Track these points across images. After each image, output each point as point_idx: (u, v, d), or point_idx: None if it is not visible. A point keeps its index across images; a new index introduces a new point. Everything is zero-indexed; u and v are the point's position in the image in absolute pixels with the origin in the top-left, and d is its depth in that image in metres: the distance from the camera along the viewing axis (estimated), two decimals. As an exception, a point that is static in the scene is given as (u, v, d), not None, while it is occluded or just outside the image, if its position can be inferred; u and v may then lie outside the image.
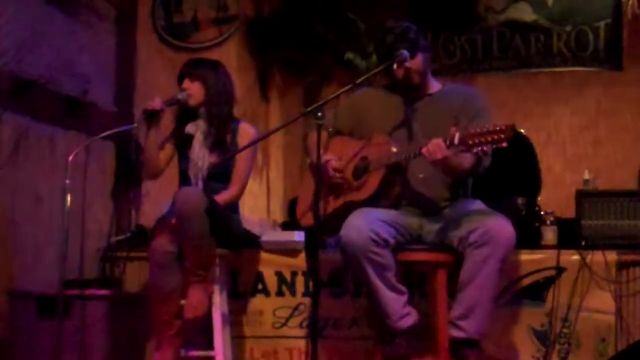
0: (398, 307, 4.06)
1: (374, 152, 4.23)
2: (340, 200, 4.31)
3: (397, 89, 4.36)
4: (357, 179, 4.26)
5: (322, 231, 4.41)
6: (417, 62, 4.23)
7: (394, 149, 4.14)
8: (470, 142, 3.73)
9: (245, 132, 4.76)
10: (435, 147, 3.85)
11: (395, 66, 4.16)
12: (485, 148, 3.72)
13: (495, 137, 3.65)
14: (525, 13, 6.87)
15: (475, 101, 4.30)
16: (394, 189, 4.21)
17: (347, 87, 4.13)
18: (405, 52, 4.14)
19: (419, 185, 4.25)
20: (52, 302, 4.37)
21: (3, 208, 4.77)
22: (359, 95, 4.49)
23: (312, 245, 4.66)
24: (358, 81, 4.14)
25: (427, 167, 4.10)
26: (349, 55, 6.94)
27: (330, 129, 4.45)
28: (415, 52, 4.21)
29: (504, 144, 3.65)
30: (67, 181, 4.19)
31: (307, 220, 4.42)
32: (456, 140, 3.79)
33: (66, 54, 5.36)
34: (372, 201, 4.17)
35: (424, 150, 3.90)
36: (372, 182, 4.18)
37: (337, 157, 4.34)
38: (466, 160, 4.06)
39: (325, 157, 4.30)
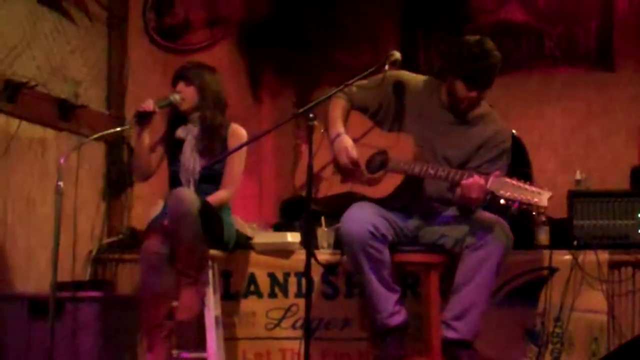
0: (389, 304, 4.06)
1: (396, 152, 4.14)
2: (347, 186, 4.26)
3: (441, 94, 4.25)
4: (371, 172, 4.21)
5: (320, 206, 4.38)
6: (483, 96, 4.17)
7: (417, 157, 4.08)
8: (502, 192, 3.70)
9: (236, 133, 4.75)
10: (477, 186, 3.81)
11: (387, 67, 4.10)
12: (515, 205, 3.69)
13: (524, 198, 3.64)
14: (516, 13, 6.89)
15: (505, 141, 4.23)
16: (404, 196, 4.17)
17: (338, 88, 4.13)
18: (398, 55, 4.07)
19: (428, 199, 4.23)
20: (44, 304, 4.35)
21: (-5, 211, 4.77)
22: (408, 81, 4.31)
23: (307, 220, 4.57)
24: (350, 82, 4.13)
25: (441, 187, 4.10)
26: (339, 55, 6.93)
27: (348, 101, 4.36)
28: (487, 88, 4.13)
29: (530, 209, 3.65)
30: (59, 183, 4.17)
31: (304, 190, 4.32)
32: (489, 185, 3.76)
33: (57, 56, 5.35)
34: (380, 202, 4.14)
35: (464, 182, 3.85)
36: (387, 186, 4.13)
37: (353, 137, 4.26)
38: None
39: (344, 136, 4.22)
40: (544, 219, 4.19)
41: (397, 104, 4.30)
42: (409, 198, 4.20)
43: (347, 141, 4.22)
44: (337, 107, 4.27)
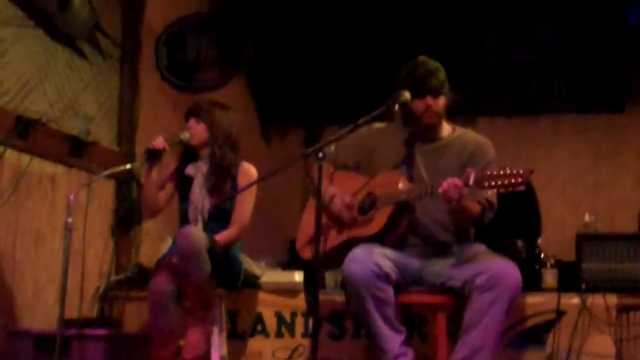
0: (395, 345, 4.03)
1: (381, 188, 4.19)
2: (343, 235, 4.28)
3: (411, 124, 4.30)
4: (363, 215, 4.24)
5: (322, 265, 4.40)
6: (439, 103, 4.21)
7: (404, 187, 4.13)
8: (486, 183, 3.72)
9: (246, 172, 4.76)
10: (452, 186, 3.84)
11: (396, 107, 4.16)
12: (501, 190, 3.72)
13: (513, 180, 3.65)
14: (526, 55, 6.91)
15: (486, 153, 4.27)
16: (400, 227, 4.17)
17: (348, 128, 4.13)
18: (407, 94, 4.14)
19: (425, 225, 4.24)
20: (50, 341, 4.33)
21: (4, 246, 4.77)
22: (369, 131, 4.43)
23: (311, 280, 4.65)
24: (360, 122, 4.14)
25: (436, 207, 4.11)
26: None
27: (331, 169, 4.43)
28: (440, 93, 4.20)
29: (521, 188, 3.65)
30: (69, 220, 4.18)
31: (307, 253, 4.37)
32: (471, 180, 3.79)
33: (69, 92, 5.38)
34: (377, 238, 4.13)
35: (439, 189, 3.88)
36: (380, 219, 4.15)
37: (342, 191, 4.33)
38: (474, 207, 4.06)
39: (331, 191, 4.30)
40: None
41: (373, 155, 4.38)
42: (406, 227, 4.21)
43: (332, 189, 4.30)
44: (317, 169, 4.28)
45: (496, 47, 6.97)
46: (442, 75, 4.23)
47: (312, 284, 4.47)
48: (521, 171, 3.64)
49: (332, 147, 4.37)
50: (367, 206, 4.23)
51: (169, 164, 4.87)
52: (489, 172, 3.75)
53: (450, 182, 3.84)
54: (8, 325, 4.75)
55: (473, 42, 7.03)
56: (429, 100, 4.18)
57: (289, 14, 7.08)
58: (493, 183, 3.70)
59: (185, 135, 4.71)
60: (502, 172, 3.69)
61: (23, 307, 4.88)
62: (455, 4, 6.92)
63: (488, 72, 7.05)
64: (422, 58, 4.27)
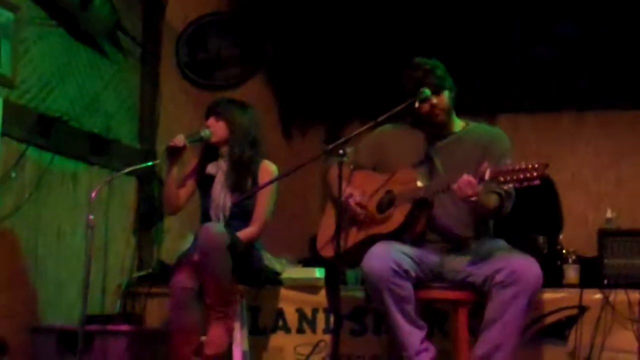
0: (416, 341, 4.03)
1: (399, 186, 4.22)
2: (362, 234, 4.30)
3: (421, 126, 4.35)
4: (382, 213, 4.25)
5: (343, 263, 4.41)
6: (442, 99, 4.25)
7: (421, 184, 4.14)
8: (502, 178, 3.72)
9: (266, 170, 4.77)
10: (466, 183, 3.84)
11: (417, 104, 4.19)
12: (517, 185, 3.71)
13: (528, 174, 3.64)
14: (548, 51, 6.88)
15: (501, 143, 4.30)
16: (419, 224, 4.19)
17: (368, 125, 4.14)
18: (427, 91, 4.17)
19: (444, 221, 4.25)
20: (73, 337, 4.37)
21: (26, 243, 4.80)
22: (382, 132, 4.48)
23: (332, 278, 4.66)
24: (380, 119, 4.15)
25: (454, 203, 4.11)
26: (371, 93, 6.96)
27: (351, 166, 4.44)
28: (441, 89, 4.24)
29: (537, 182, 3.64)
30: (90, 217, 4.20)
31: (328, 251, 4.40)
32: (487, 176, 3.79)
33: (90, 91, 5.40)
34: (396, 235, 4.16)
35: (454, 186, 3.90)
36: (398, 216, 4.17)
37: (360, 191, 4.34)
38: (491, 200, 4.07)
39: (347, 191, 4.30)
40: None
41: (389, 155, 4.42)
42: (424, 224, 4.22)
43: (349, 189, 4.32)
44: (335, 170, 4.27)
45: (517, 43, 6.94)
46: (439, 71, 4.27)
47: (333, 282, 4.48)
48: (536, 165, 3.63)
49: (351, 148, 4.38)
50: (386, 204, 4.25)
51: (190, 161, 4.90)
52: (504, 168, 3.74)
53: (464, 180, 3.86)
54: (31, 321, 4.78)
55: (494, 39, 7.00)
56: (433, 99, 4.22)
57: (309, 11, 7.07)
58: (509, 178, 3.70)
59: (205, 133, 4.73)
60: (517, 167, 3.68)
61: (46, 303, 4.91)
62: (474, 1, 6.90)
63: (509, 68, 7.02)
64: (417, 60, 4.31)
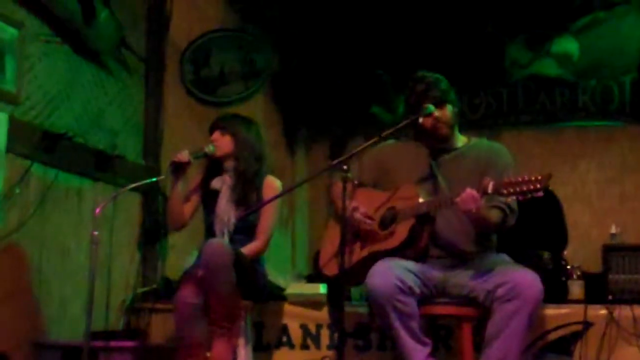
0: (421, 358, 4.02)
1: (401, 202, 4.22)
2: (365, 250, 4.29)
3: (423, 141, 4.35)
4: (385, 229, 4.25)
5: (346, 281, 4.40)
6: (445, 113, 4.26)
7: (423, 199, 4.14)
8: (505, 190, 3.72)
9: (271, 185, 4.78)
10: (469, 197, 3.85)
11: (421, 120, 4.19)
12: (520, 197, 3.71)
13: (531, 186, 3.64)
14: (550, 68, 6.90)
15: (503, 157, 4.31)
16: (422, 239, 4.19)
17: (372, 140, 4.14)
18: (431, 107, 4.18)
19: (447, 236, 4.24)
20: (77, 353, 4.37)
21: (30, 259, 4.80)
22: (384, 148, 4.48)
23: (335, 296, 4.66)
24: (384, 134, 4.15)
25: (457, 218, 4.11)
26: (375, 109, 6.98)
27: (355, 181, 4.44)
28: (444, 103, 4.25)
29: (540, 193, 3.64)
30: (95, 233, 4.21)
31: (330, 269, 4.39)
32: (489, 189, 3.79)
33: (95, 107, 5.42)
34: (399, 251, 4.15)
35: (457, 199, 3.90)
36: (401, 232, 4.17)
37: (363, 207, 4.34)
38: (494, 214, 4.07)
39: (352, 205, 4.30)
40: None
41: (390, 171, 4.42)
42: (427, 240, 4.22)
43: (356, 204, 4.30)
44: (339, 186, 4.28)
45: (520, 59, 6.96)
46: (443, 85, 4.29)
47: (336, 300, 4.47)
48: (539, 177, 3.64)
49: (355, 164, 4.38)
50: (389, 220, 4.24)
51: (194, 177, 4.90)
52: (506, 180, 3.75)
53: (467, 194, 3.86)
54: (34, 336, 4.78)
55: (497, 55, 7.02)
56: (435, 112, 4.22)
57: (313, 26, 7.10)
58: (512, 190, 3.70)
59: (209, 148, 4.74)
60: (520, 179, 3.68)
61: (50, 319, 4.91)
62: (480, 16, 6.92)
63: (512, 84, 7.03)
64: (419, 73, 4.33)
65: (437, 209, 4.11)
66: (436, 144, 4.33)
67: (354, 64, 7.23)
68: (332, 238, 4.41)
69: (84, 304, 4.75)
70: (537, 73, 6.96)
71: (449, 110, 4.28)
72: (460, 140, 4.40)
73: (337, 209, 4.43)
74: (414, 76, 4.33)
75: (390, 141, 4.45)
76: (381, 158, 4.48)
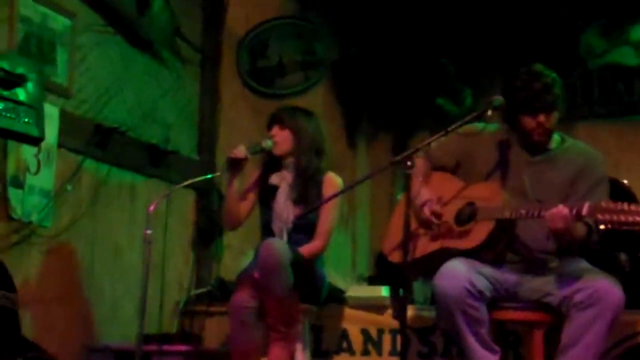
0: (489, 366, 3.98)
1: (483, 200, 4.11)
2: (436, 244, 4.20)
3: (516, 134, 4.22)
4: (460, 225, 4.17)
5: (411, 273, 4.35)
6: (550, 120, 4.07)
7: (507, 203, 4.04)
8: (601, 216, 3.62)
9: (331, 182, 4.74)
10: (559, 216, 3.76)
11: (489, 112, 4.08)
12: (616, 227, 3.60)
13: (630, 218, 3.54)
14: (629, 57, 6.79)
15: (598, 168, 4.16)
16: (499, 244, 4.11)
17: (438, 135, 4.06)
18: (500, 99, 4.06)
19: (526, 243, 4.16)
20: (129, 357, 4.40)
21: (82, 258, 4.85)
22: (475, 132, 4.30)
23: (399, 285, 4.59)
24: (451, 128, 4.07)
25: (539, 226, 4.01)
26: (440, 100, 6.92)
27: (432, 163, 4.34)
28: (554, 109, 4.06)
29: None
30: (148, 231, 4.23)
31: (396, 256, 4.31)
32: (584, 212, 3.71)
33: (148, 100, 5.45)
34: (474, 252, 4.08)
35: (546, 214, 3.82)
36: (479, 233, 4.07)
37: (437, 195, 4.25)
38: (579, 230, 3.96)
39: (423, 196, 4.25)
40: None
41: (474, 159, 4.29)
42: (504, 245, 4.14)
43: (425, 193, 4.24)
44: (416, 170, 4.21)
45: (595, 47, 6.86)
46: (557, 88, 4.07)
47: (400, 289, 4.40)
48: None
49: (436, 144, 4.27)
50: (466, 217, 4.16)
51: (251, 173, 4.89)
52: (604, 204, 3.63)
53: (558, 211, 3.77)
54: (86, 339, 4.82)
55: (571, 42, 6.92)
56: (541, 117, 4.05)
57: (376, 14, 7.06)
58: (608, 217, 3.59)
59: (267, 143, 4.72)
60: (619, 207, 3.58)
61: (101, 321, 4.96)
62: (552, 3, 6.83)
63: (587, 74, 6.94)
64: (538, 68, 4.11)
65: (520, 218, 4.00)
66: (529, 143, 4.22)
67: (417, 52, 7.18)
68: (400, 221, 4.11)
69: (136, 306, 4.77)
70: (614, 62, 6.85)
71: (554, 118, 4.09)
72: (554, 140, 4.22)
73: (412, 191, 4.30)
74: (530, 70, 4.12)
75: (480, 125, 4.33)
76: (465, 141, 4.31)
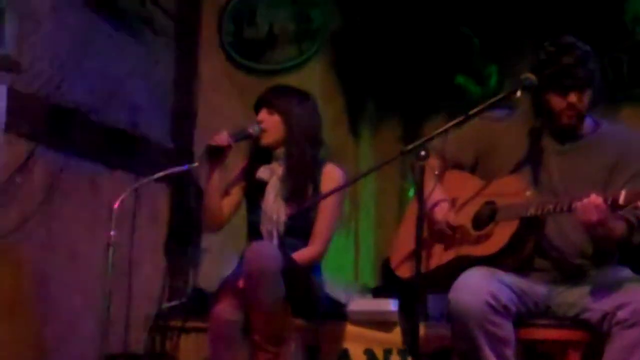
0: (516, 393, 4.02)
1: (504, 197, 4.13)
2: (451, 252, 4.24)
3: (543, 119, 4.25)
4: (478, 229, 4.18)
5: (425, 287, 4.37)
6: (584, 101, 4.08)
7: (532, 198, 4.06)
8: None
9: (331, 175, 4.76)
10: (592, 205, 3.77)
11: (519, 93, 4.10)
12: None
13: None
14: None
15: None
16: (525, 247, 4.11)
17: (457, 120, 4.07)
18: (532, 78, 4.08)
19: (557, 245, 4.18)
20: (89, 381, 4.44)
21: (32, 265, 4.86)
22: (493, 120, 4.35)
23: (410, 304, 4.62)
24: (472, 112, 4.09)
25: (570, 223, 4.05)
26: (460, 79, 6.95)
27: (446, 160, 4.38)
28: (587, 86, 4.08)
29: None
30: (112, 233, 4.25)
31: (405, 271, 4.36)
32: (622, 200, 3.73)
33: (114, 77, 5.47)
34: (495, 260, 4.09)
35: (577, 205, 3.84)
36: (500, 237, 4.09)
37: (452, 197, 4.28)
38: (618, 227, 3.99)
39: (436, 197, 4.26)
40: None
41: (497, 149, 4.32)
42: (532, 248, 4.16)
43: (439, 193, 4.28)
44: (428, 170, 4.23)
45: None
46: (591, 63, 4.08)
47: (411, 310, 4.43)
48: None
49: (450, 139, 4.30)
50: (485, 218, 4.18)
51: (236, 164, 4.91)
52: None
53: (591, 201, 3.78)
54: (39, 360, 4.86)
55: (615, 9, 6.96)
56: (572, 97, 4.07)
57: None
58: None
59: (254, 129, 4.74)
60: None
61: (56, 339, 4.98)
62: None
63: (635, 48, 6.97)
64: (569, 39, 4.13)
65: (549, 213, 4.03)
66: (559, 127, 4.22)
67: (434, 21, 7.19)
68: (409, 229, 4.24)
69: (98, 321, 4.79)
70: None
71: (588, 97, 4.10)
72: (587, 124, 4.24)
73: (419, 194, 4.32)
74: (560, 41, 4.13)
75: (500, 112, 4.35)
76: (484, 132, 4.36)
